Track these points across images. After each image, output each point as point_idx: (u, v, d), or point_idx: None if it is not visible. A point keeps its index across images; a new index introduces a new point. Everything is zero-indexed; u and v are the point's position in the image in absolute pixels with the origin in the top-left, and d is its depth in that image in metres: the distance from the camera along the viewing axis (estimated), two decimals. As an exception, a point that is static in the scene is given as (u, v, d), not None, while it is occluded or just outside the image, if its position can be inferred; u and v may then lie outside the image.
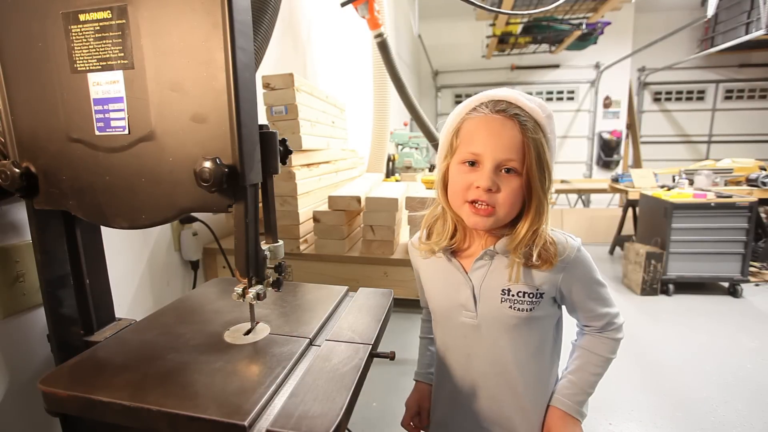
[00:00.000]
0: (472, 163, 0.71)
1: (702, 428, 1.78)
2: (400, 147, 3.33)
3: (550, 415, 0.79)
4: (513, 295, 0.73)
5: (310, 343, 0.67)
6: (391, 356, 0.68)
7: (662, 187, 3.78)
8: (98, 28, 0.55)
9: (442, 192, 0.77)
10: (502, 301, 0.74)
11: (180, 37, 0.53)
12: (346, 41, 2.82)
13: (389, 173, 2.91)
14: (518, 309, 0.73)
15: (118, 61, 0.55)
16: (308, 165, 1.36)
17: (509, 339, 0.76)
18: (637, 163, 6.62)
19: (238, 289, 0.60)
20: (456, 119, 0.76)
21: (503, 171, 0.69)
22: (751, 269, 3.44)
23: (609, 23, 5.02)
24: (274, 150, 0.61)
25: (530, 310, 0.73)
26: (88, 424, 0.58)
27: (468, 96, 0.85)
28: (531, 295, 0.73)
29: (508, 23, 4.79)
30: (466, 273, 0.77)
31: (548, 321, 0.78)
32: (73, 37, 0.56)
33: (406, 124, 4.23)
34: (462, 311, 0.77)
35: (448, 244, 0.78)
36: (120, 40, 0.55)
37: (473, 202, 0.70)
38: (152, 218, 0.59)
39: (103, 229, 0.75)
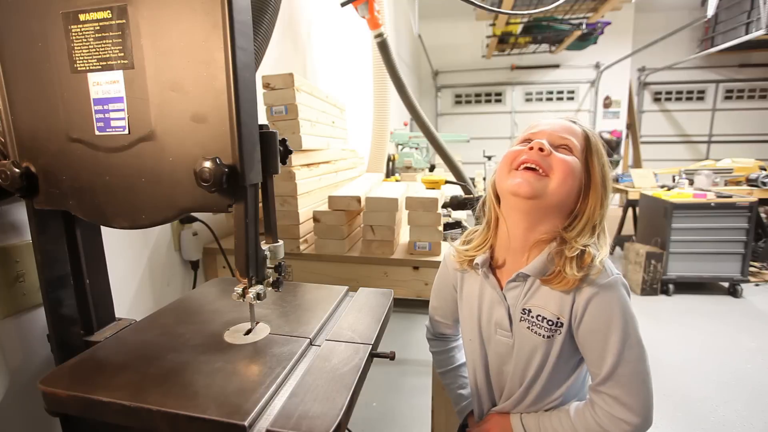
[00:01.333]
0: (526, 144, 0.70)
1: (702, 428, 1.78)
2: (400, 147, 3.33)
3: (499, 420, 0.78)
4: (532, 317, 0.70)
5: (310, 343, 0.67)
6: (391, 356, 0.68)
7: (662, 187, 3.78)
8: (98, 28, 0.55)
9: (492, 189, 0.77)
10: (521, 320, 0.72)
11: (180, 37, 0.53)
12: (346, 41, 2.82)
13: (389, 173, 2.90)
14: (535, 332, 0.70)
15: (118, 61, 0.55)
16: (308, 165, 1.36)
17: (538, 360, 0.71)
18: (637, 163, 6.62)
19: (238, 289, 0.60)
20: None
21: (560, 148, 0.69)
22: (751, 269, 3.44)
23: (609, 23, 5.02)
24: (274, 150, 0.61)
25: (546, 337, 0.69)
26: (88, 424, 0.58)
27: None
28: (550, 322, 0.69)
29: (508, 23, 4.79)
30: (501, 290, 0.75)
31: (568, 352, 0.71)
32: (73, 37, 0.56)
33: (406, 124, 4.23)
34: (497, 329, 0.76)
35: (485, 258, 0.76)
36: (120, 40, 0.55)
37: (524, 167, 0.68)
38: (152, 218, 0.59)
39: (103, 229, 0.75)
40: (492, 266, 0.78)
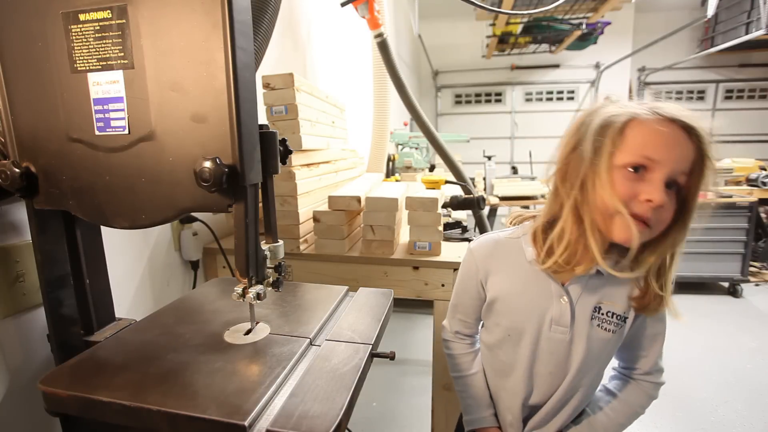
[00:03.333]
0: (637, 169, 0.62)
1: (702, 428, 1.78)
2: (400, 147, 3.33)
3: None
4: (603, 314, 0.71)
5: (310, 343, 0.67)
6: (391, 356, 0.68)
7: None
8: (98, 27, 0.55)
9: (572, 203, 0.67)
10: (592, 319, 0.71)
11: (180, 37, 0.53)
12: (346, 41, 2.82)
13: (389, 173, 2.90)
14: (605, 329, 0.71)
15: (118, 61, 0.55)
16: (308, 165, 1.36)
17: (587, 354, 0.73)
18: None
19: (238, 289, 0.60)
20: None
21: (671, 187, 0.62)
22: (751, 269, 3.44)
23: (609, 23, 5.01)
24: (274, 150, 0.61)
25: (613, 332, 0.71)
26: (88, 424, 0.58)
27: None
28: (618, 317, 0.71)
29: (508, 23, 4.79)
30: (563, 284, 0.72)
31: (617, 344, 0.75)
32: (73, 37, 0.56)
33: (406, 124, 4.23)
34: (552, 326, 0.73)
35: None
36: (120, 40, 0.55)
37: (635, 215, 0.62)
38: (152, 218, 0.59)
39: (103, 229, 0.75)
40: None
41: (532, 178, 4.27)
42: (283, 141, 0.65)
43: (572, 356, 0.74)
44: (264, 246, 0.63)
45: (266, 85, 1.22)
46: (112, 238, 0.85)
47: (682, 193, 0.63)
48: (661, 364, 0.77)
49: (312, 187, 1.35)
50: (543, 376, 0.77)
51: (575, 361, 0.74)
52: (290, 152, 0.68)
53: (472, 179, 2.23)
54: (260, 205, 0.62)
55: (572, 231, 0.68)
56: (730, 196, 3.15)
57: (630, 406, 0.77)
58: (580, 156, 0.66)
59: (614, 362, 0.82)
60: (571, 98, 6.69)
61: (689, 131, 0.62)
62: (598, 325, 0.71)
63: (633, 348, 0.76)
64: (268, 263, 0.63)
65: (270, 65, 1.60)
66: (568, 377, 0.75)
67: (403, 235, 1.39)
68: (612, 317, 0.71)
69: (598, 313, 0.71)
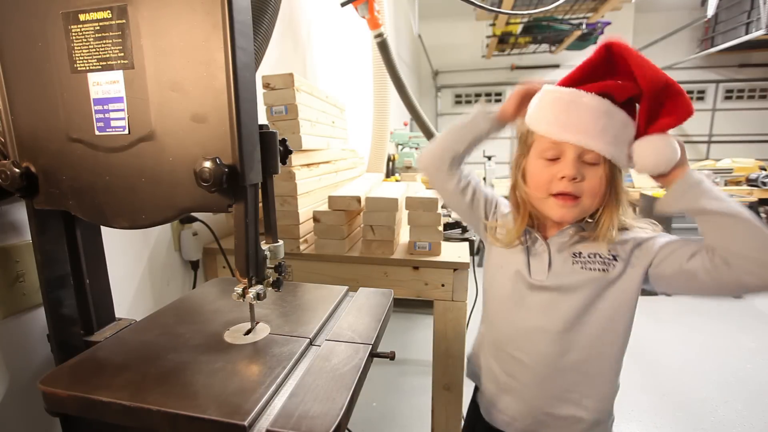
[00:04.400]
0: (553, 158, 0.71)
1: (702, 428, 1.78)
2: (400, 147, 3.33)
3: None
4: (584, 256, 0.73)
5: (310, 343, 0.67)
6: (391, 356, 0.68)
7: (662, 187, 3.78)
8: (98, 28, 0.55)
9: (521, 188, 0.77)
10: (573, 263, 0.74)
11: (180, 37, 0.53)
12: (346, 41, 2.82)
13: (389, 173, 2.91)
14: (591, 269, 0.73)
15: (118, 61, 0.55)
16: (308, 165, 1.36)
17: (572, 303, 0.74)
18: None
19: (238, 289, 0.60)
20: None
21: (587, 164, 0.69)
22: (751, 269, 3.43)
23: (609, 23, 5.01)
24: (274, 150, 0.61)
25: (603, 270, 0.72)
26: (88, 424, 0.58)
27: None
28: (602, 257, 0.73)
29: (508, 23, 4.79)
30: (545, 239, 0.78)
31: (625, 293, 0.72)
32: (73, 37, 0.56)
33: (406, 124, 4.23)
34: (535, 278, 0.77)
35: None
36: (120, 40, 0.55)
37: (558, 194, 0.70)
38: (152, 218, 0.60)
39: (103, 229, 0.75)
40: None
41: (532, 178, 4.26)
42: (283, 141, 0.65)
43: (554, 303, 0.75)
44: (264, 246, 0.63)
45: (266, 85, 1.22)
46: (112, 238, 0.85)
47: (606, 165, 0.69)
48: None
49: (312, 187, 1.35)
50: (531, 334, 0.77)
51: (557, 307, 0.74)
52: (290, 152, 0.68)
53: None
54: (260, 205, 0.62)
55: (516, 210, 0.79)
56: (731, 196, 3.15)
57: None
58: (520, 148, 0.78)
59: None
60: (571, 98, 6.69)
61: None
62: (582, 267, 0.73)
63: (676, 258, 0.68)
64: (268, 263, 0.63)
65: (270, 65, 1.60)
66: (554, 324, 0.74)
67: (403, 235, 1.39)
68: (595, 257, 0.73)
69: (579, 257, 0.74)
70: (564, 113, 0.68)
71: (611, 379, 0.77)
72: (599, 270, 0.72)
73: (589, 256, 0.73)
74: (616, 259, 0.72)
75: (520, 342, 0.79)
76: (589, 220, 0.75)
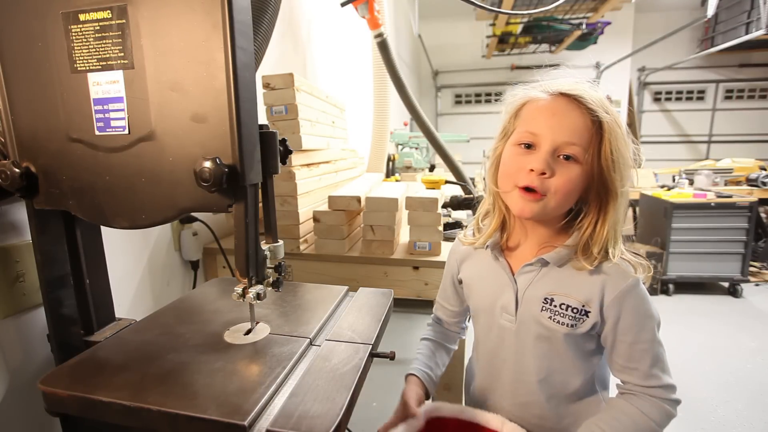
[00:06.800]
0: (528, 146, 0.67)
1: (702, 428, 1.78)
2: (400, 147, 3.33)
3: None
4: (555, 306, 0.69)
5: (310, 343, 0.67)
6: (391, 356, 0.68)
7: (662, 187, 3.78)
8: (98, 28, 0.55)
9: (492, 178, 0.73)
10: (542, 310, 0.70)
11: (180, 37, 0.53)
12: (346, 41, 2.82)
13: (389, 173, 2.90)
14: (558, 322, 0.69)
15: (118, 61, 0.55)
16: (308, 165, 1.36)
17: (543, 350, 0.72)
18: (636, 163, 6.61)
19: (238, 289, 0.60)
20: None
21: (561, 157, 0.65)
22: (751, 269, 3.44)
23: (609, 23, 5.02)
24: (274, 150, 0.61)
25: (571, 326, 0.68)
26: (88, 424, 0.58)
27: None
28: (575, 311, 0.68)
29: (508, 23, 4.79)
30: (513, 274, 0.74)
31: (593, 347, 0.72)
32: (73, 37, 0.56)
33: (406, 124, 4.23)
34: (502, 313, 0.75)
35: (496, 240, 0.76)
36: (120, 40, 0.55)
37: (524, 188, 0.66)
38: (152, 218, 0.59)
39: (103, 229, 0.75)
40: (502, 249, 0.78)
41: (532, 178, 4.26)
42: (283, 141, 0.65)
43: (525, 348, 0.73)
44: (264, 246, 0.63)
45: (266, 85, 1.22)
46: (112, 238, 0.85)
47: (588, 166, 0.65)
48: (671, 393, 0.68)
49: (312, 187, 1.35)
50: (495, 362, 0.79)
51: (529, 353, 0.73)
52: (290, 152, 0.68)
53: (472, 179, 2.23)
54: (260, 205, 0.62)
55: (492, 209, 0.78)
56: (730, 196, 3.15)
57: (645, 415, 0.67)
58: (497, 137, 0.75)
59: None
60: (571, 98, 6.69)
61: (579, 102, 0.65)
62: (550, 317, 0.69)
63: (615, 352, 0.69)
64: (268, 263, 0.63)
65: (270, 65, 1.60)
66: (529, 374, 0.73)
67: (403, 235, 1.39)
68: (567, 310, 0.68)
69: (550, 304, 0.69)
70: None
71: (601, 388, 0.77)
72: (568, 326, 0.68)
73: (561, 307, 0.69)
74: (587, 315, 0.68)
75: (502, 390, 0.80)
76: (567, 244, 0.70)
